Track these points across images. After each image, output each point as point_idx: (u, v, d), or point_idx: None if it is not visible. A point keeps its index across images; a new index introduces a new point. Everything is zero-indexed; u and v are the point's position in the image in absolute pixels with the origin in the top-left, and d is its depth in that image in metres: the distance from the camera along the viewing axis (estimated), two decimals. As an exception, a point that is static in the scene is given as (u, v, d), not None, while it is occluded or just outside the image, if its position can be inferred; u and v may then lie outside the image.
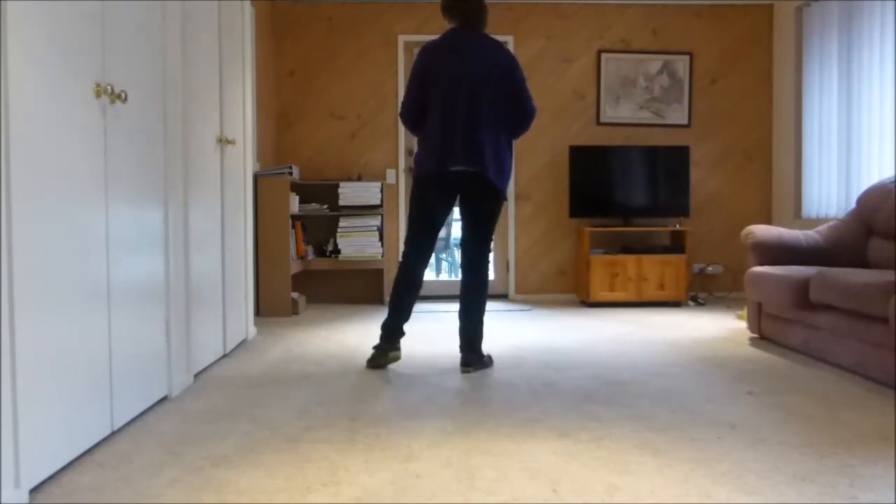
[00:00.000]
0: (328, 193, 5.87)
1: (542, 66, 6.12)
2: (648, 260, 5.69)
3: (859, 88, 4.97)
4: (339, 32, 6.09)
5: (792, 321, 3.76)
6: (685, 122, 6.20)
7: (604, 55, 6.16)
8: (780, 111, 6.11)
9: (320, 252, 5.91)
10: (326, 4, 6.07)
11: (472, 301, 3.41)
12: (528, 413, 2.64)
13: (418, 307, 5.58)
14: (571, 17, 6.16)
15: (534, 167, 6.16)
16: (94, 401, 2.20)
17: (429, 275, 6.74)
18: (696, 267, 6.21)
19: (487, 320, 4.82)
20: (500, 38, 5.80)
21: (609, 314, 5.28)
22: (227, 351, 3.71)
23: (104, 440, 2.32)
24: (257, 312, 5.06)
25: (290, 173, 5.21)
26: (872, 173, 4.82)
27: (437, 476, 2.01)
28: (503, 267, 6.21)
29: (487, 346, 3.93)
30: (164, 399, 2.82)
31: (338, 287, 6.08)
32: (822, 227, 4.25)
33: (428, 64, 3.38)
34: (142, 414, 2.62)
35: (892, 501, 1.84)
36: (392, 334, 3.42)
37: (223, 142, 3.64)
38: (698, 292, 6.23)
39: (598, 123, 6.19)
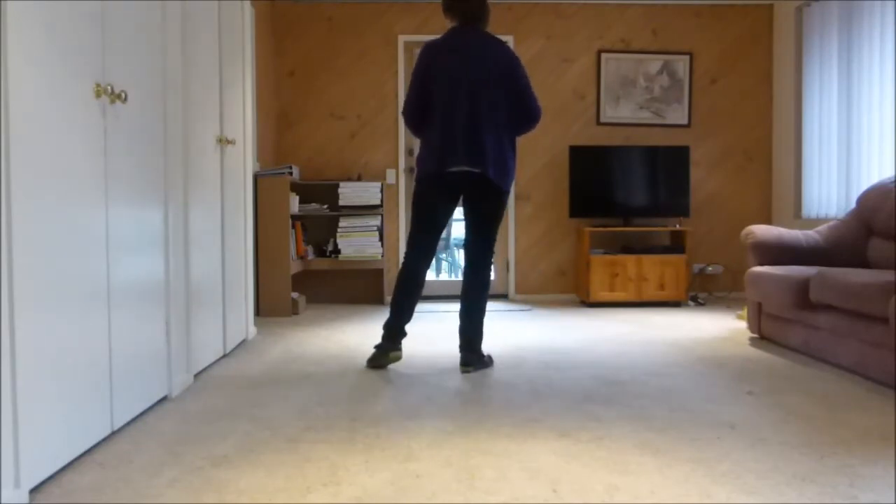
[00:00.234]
0: (328, 193, 5.87)
1: (542, 66, 6.12)
2: (648, 260, 5.69)
3: (859, 88, 4.97)
4: (339, 32, 6.09)
5: (792, 321, 3.76)
6: (685, 122, 6.20)
7: (604, 55, 6.16)
8: (780, 111, 6.11)
9: (320, 252, 5.91)
10: (326, 4, 6.07)
11: (474, 301, 3.41)
12: (528, 413, 2.64)
13: (419, 307, 5.58)
14: (571, 17, 6.16)
15: (534, 167, 6.16)
16: (94, 401, 2.20)
17: (429, 275, 6.72)
18: (696, 267, 6.21)
19: (487, 320, 4.82)
20: (499, 37, 5.79)
21: (609, 314, 5.28)
22: (227, 351, 3.71)
23: (104, 440, 2.32)
24: (257, 312, 5.06)
25: (290, 173, 5.21)
26: (872, 173, 4.82)
27: (437, 476, 2.01)
28: (503, 267, 6.21)
29: (487, 346, 3.93)
30: (164, 399, 2.82)
31: (338, 287, 6.08)
32: (822, 227, 4.25)
33: (428, 63, 3.37)
34: (142, 414, 2.62)
35: (892, 501, 1.84)
36: (394, 334, 3.41)
37: (223, 142, 3.64)
38: (698, 292, 6.23)
39: (598, 123, 6.19)
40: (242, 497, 1.87)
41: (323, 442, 2.32)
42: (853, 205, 4.47)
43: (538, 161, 6.16)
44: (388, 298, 6.02)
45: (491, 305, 5.59)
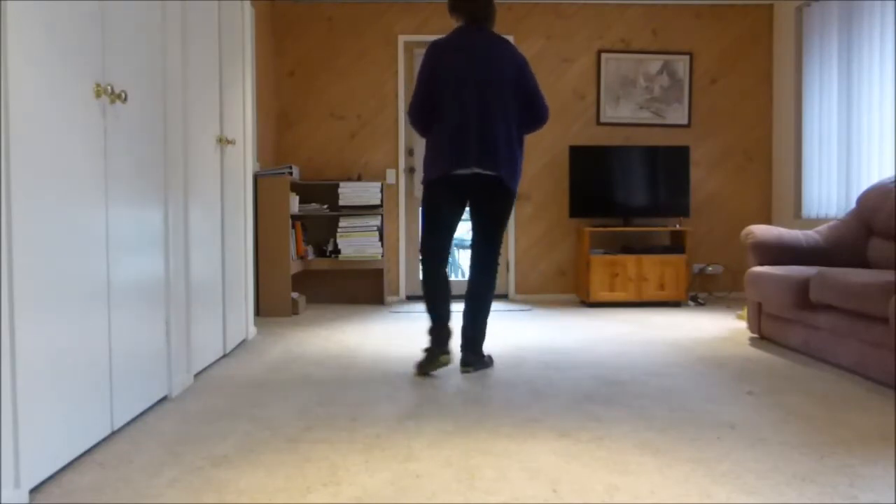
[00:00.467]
0: (328, 193, 5.86)
1: (542, 66, 6.12)
2: (648, 260, 5.69)
3: (859, 88, 4.97)
4: (339, 32, 6.09)
5: (792, 321, 3.76)
6: (685, 122, 6.20)
7: (604, 55, 6.16)
8: (780, 111, 6.11)
9: (320, 252, 5.91)
10: (326, 4, 6.07)
11: (479, 303, 3.37)
12: (528, 413, 2.64)
13: (419, 308, 5.59)
14: (571, 17, 6.16)
15: (534, 167, 6.16)
16: (93, 401, 2.20)
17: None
18: (696, 267, 6.21)
19: (487, 320, 4.80)
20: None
21: (609, 314, 5.28)
22: (227, 351, 3.71)
23: (104, 440, 2.32)
24: (257, 312, 5.06)
25: (290, 173, 5.21)
26: (872, 173, 4.82)
27: (437, 476, 2.01)
28: (503, 267, 6.20)
29: (487, 346, 3.93)
30: (164, 399, 2.82)
31: (338, 287, 6.08)
32: (822, 227, 4.25)
33: (434, 63, 3.30)
34: (142, 414, 2.62)
35: (892, 501, 1.84)
36: (443, 338, 3.28)
37: (223, 142, 3.64)
38: (698, 292, 6.23)
39: (598, 123, 6.19)
40: (242, 497, 1.87)
41: (323, 442, 2.32)
42: (853, 205, 4.47)
43: (538, 161, 6.16)
44: (389, 298, 6.02)
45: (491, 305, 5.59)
